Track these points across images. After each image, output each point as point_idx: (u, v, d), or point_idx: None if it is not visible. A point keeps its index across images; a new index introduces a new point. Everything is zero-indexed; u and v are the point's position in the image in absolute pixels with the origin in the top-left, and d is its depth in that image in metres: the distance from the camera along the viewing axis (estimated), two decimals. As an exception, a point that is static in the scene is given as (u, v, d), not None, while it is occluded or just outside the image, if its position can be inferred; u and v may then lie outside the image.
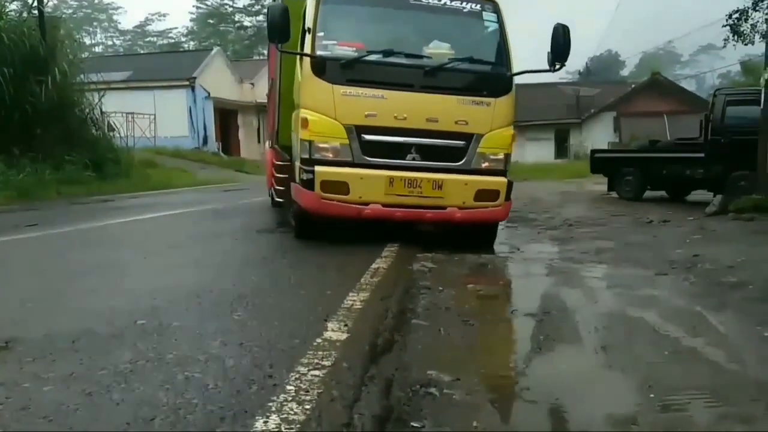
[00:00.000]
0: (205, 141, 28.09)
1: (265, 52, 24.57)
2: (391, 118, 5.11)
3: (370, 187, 5.09)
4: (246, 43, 57.65)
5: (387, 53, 5.23)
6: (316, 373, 2.10)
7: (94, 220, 7.39)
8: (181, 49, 51.34)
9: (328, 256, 4.83)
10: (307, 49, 5.15)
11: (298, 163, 5.35)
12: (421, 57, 5.36)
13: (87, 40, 60.51)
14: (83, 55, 16.91)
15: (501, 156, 5.39)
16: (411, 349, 2.65)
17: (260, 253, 5.16)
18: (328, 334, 2.57)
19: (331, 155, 5.09)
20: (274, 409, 1.80)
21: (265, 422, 1.71)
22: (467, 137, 5.29)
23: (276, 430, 1.67)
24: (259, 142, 30.35)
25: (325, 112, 5.07)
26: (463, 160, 5.28)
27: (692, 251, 4.99)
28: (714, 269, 4.18)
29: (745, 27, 10.10)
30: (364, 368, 2.20)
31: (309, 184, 5.03)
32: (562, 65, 5.21)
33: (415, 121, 5.15)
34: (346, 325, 2.71)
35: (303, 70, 5.23)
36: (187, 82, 27.36)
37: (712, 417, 1.97)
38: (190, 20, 61.96)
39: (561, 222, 7.96)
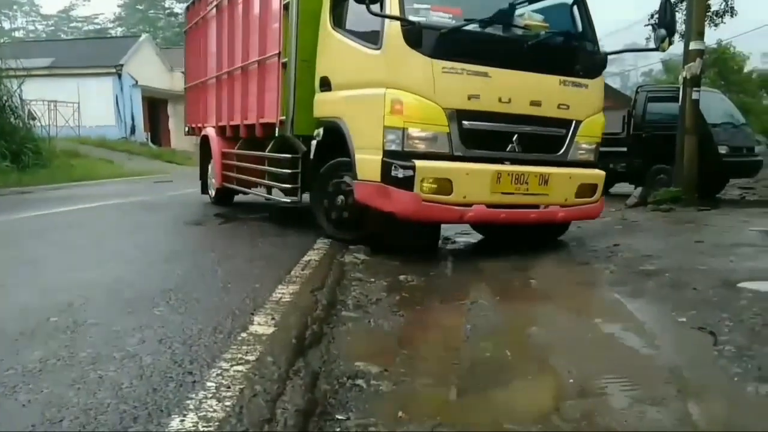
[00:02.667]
0: (133, 131, 27.02)
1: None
2: (495, 100, 4.37)
3: (475, 184, 4.32)
4: (176, 30, 55.44)
5: (488, 22, 4.45)
6: (239, 368, 2.04)
7: (9, 213, 6.96)
8: (108, 36, 49.12)
9: (259, 249, 4.73)
10: (392, 12, 4.26)
11: (373, 157, 4.36)
12: (520, 28, 4.62)
13: (6, 25, 57.30)
14: (0, 41, 15.94)
15: (594, 146, 4.86)
16: (340, 341, 2.62)
17: (187, 247, 5.00)
18: (254, 328, 2.51)
19: (425, 146, 4.26)
20: (192, 407, 1.73)
21: (182, 421, 1.64)
22: (567, 124, 4.69)
23: (193, 428, 1.60)
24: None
25: (421, 92, 4.21)
26: (562, 151, 4.69)
27: (613, 241, 5.19)
28: (633, 258, 4.36)
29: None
30: (289, 362, 2.16)
31: (406, 183, 4.16)
32: (671, 43, 4.82)
33: (518, 105, 4.45)
34: (273, 319, 2.65)
35: (388, 39, 4.28)
36: (114, 70, 26.20)
37: (628, 400, 2.04)
38: (118, 6, 59.51)
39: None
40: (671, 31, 4.73)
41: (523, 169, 4.46)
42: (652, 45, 5.19)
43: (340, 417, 1.87)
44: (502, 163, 4.42)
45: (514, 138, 4.49)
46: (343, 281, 3.71)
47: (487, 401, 2.10)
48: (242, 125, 6.69)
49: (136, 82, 26.88)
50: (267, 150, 6.05)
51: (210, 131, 7.93)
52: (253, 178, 6.65)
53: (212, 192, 8.23)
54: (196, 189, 8.97)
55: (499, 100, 4.38)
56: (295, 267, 3.85)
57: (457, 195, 4.25)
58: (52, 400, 1.80)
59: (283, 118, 5.33)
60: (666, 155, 8.87)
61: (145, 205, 8.48)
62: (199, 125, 8.70)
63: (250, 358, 2.14)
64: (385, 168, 4.25)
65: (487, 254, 5.04)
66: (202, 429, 1.60)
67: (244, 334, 2.42)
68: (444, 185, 4.23)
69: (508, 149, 4.48)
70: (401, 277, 3.89)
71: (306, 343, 2.44)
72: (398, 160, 4.20)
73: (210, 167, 8.17)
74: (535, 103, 4.51)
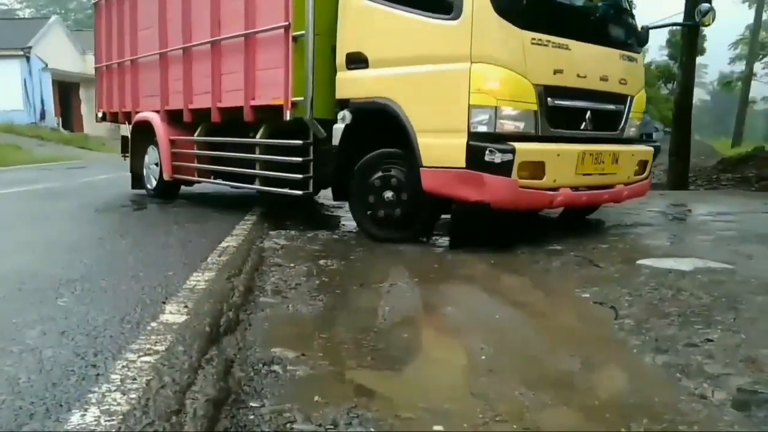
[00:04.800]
0: (43, 116, 25.60)
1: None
2: (574, 76, 4.14)
3: (564, 166, 4.09)
4: (89, 12, 52.23)
5: None
6: (147, 359, 1.97)
7: None
8: (16, 17, 45.73)
9: (174, 236, 4.59)
10: None
11: (450, 140, 3.99)
12: None
13: None
14: None
15: (639, 122, 4.77)
16: (256, 327, 2.58)
17: (97, 234, 4.77)
18: (164, 317, 2.43)
19: (513, 127, 3.92)
20: (94, 401, 1.66)
21: (83, 416, 1.57)
22: (625, 100, 4.58)
23: (94, 423, 1.54)
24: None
25: (512, 66, 3.87)
26: (620, 127, 4.58)
27: (527, 224, 5.37)
28: (542, 239, 4.52)
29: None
30: (202, 351, 2.10)
31: (503, 168, 3.80)
32: (713, 18, 4.72)
33: (591, 80, 4.26)
34: (186, 307, 2.58)
35: (474, 8, 3.89)
36: (22, 53, 24.93)
37: (534, 375, 2.12)
38: (26, -14, 55.24)
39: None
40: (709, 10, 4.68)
41: (600, 148, 4.32)
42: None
43: (254, 404, 1.85)
44: (581, 142, 4.22)
45: (587, 115, 4.31)
46: (261, 267, 3.65)
47: (402, 381, 2.14)
48: (215, 108, 5.97)
49: (46, 65, 25.46)
50: (258, 136, 5.49)
51: (152, 116, 7.03)
52: (233, 169, 5.95)
53: (152, 184, 7.32)
54: (110, 175, 8.61)
55: (578, 75, 4.18)
56: (212, 253, 3.76)
57: (548, 179, 3.99)
58: (-61, 400, 1.68)
59: (298, 99, 4.75)
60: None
61: (55, 192, 8.03)
62: (124, 110, 7.79)
63: (160, 348, 2.07)
64: (474, 152, 3.86)
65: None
66: (104, 423, 1.53)
67: (153, 324, 2.34)
68: (537, 169, 3.95)
69: (582, 127, 4.31)
70: (321, 262, 3.87)
71: (220, 331, 2.39)
72: (492, 143, 3.83)
73: (149, 157, 7.31)
74: (604, 78, 4.36)
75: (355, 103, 4.62)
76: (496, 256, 3.99)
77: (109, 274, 3.26)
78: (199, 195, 7.17)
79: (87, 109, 29.10)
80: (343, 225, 5.61)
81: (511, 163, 3.80)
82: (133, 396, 1.68)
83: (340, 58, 4.68)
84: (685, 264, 3.42)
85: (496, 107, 3.84)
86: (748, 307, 2.65)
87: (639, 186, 4.76)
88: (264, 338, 2.44)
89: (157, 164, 7.10)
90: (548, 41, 4.02)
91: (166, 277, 3.12)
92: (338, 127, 4.68)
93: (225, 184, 6.55)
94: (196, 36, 6.19)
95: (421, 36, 4.19)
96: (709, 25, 4.93)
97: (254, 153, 5.59)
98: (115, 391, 1.72)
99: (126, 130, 8.07)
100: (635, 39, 4.75)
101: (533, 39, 3.94)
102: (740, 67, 27.07)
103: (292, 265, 3.74)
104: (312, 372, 2.12)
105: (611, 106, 4.51)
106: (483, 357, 2.28)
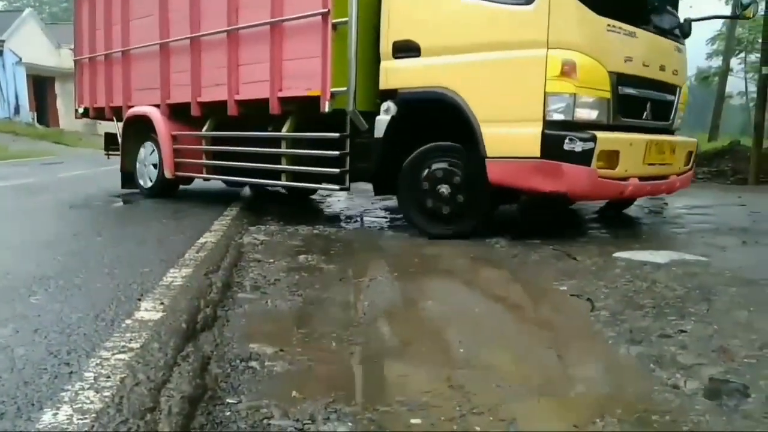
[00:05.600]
0: (18, 110, 25.21)
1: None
2: (640, 64, 4.11)
3: (634, 156, 4.05)
4: (64, 6, 51.41)
5: None
6: (122, 356, 1.94)
7: None
8: (-12, 10, 44.88)
9: (151, 232, 4.53)
10: None
11: (520, 130, 3.88)
12: None
13: None
14: None
15: (683, 113, 4.77)
16: (234, 323, 2.56)
17: (72, 231, 4.68)
18: (140, 314, 2.40)
19: (588, 115, 3.85)
20: (67, 399, 1.64)
21: (55, 414, 1.55)
22: (676, 90, 4.58)
23: (67, 422, 1.51)
24: (81, 111, 27.69)
25: (589, 52, 3.80)
26: (671, 118, 4.57)
27: (506, 218, 5.41)
28: (521, 232, 4.56)
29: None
30: (178, 347, 2.08)
31: (583, 157, 3.73)
32: (756, 11, 4.71)
33: (653, 69, 4.23)
34: (162, 303, 2.55)
35: None
36: (-5, 46, 24.33)
37: (511, 367, 2.14)
38: (-2, -22, 54.02)
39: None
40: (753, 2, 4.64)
41: (662, 139, 4.30)
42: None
43: (230, 401, 1.83)
44: (642, 133, 4.17)
45: (648, 105, 4.27)
46: (240, 263, 3.63)
47: (380, 375, 2.14)
48: (231, 101, 5.70)
49: (20, 59, 25.09)
50: (285, 129, 5.27)
51: (150, 111, 6.69)
52: (255, 165, 5.65)
53: (147, 183, 6.95)
54: (87, 171, 8.47)
55: (643, 64, 4.14)
56: (190, 250, 3.73)
57: (620, 168, 3.93)
58: None
59: (339, 89, 4.59)
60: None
61: (29, 188, 7.90)
62: (112, 105, 7.44)
63: (134, 345, 2.04)
64: (551, 141, 3.76)
65: (389, 233, 5.10)
66: (77, 422, 1.51)
67: (128, 321, 2.31)
68: (612, 158, 3.89)
69: (642, 117, 4.26)
70: (301, 258, 3.85)
71: (197, 327, 2.37)
72: (571, 132, 3.75)
73: (144, 154, 6.98)
74: (662, 68, 4.34)
75: (405, 94, 4.46)
76: (475, 250, 4.01)
77: (83, 271, 3.21)
78: (179, 191, 7.08)
79: (63, 103, 28.74)
80: (324, 220, 5.59)
81: (591, 151, 3.73)
82: (107, 394, 1.66)
83: (386, 47, 4.54)
84: (660, 257, 3.47)
85: (574, 94, 3.76)
86: (721, 298, 2.70)
87: (686, 177, 4.76)
88: (242, 334, 2.42)
89: (155, 164, 6.79)
90: (620, 28, 3.97)
91: (141, 274, 3.08)
92: (383, 119, 4.54)
93: (238, 181, 6.33)
94: (207, 25, 5.92)
95: (487, 22, 4.05)
96: (751, 17, 4.89)
97: (278, 147, 5.37)
98: (88, 389, 1.70)
99: (113, 126, 7.75)
100: (682, 30, 4.74)
101: (609, 25, 3.89)
102: (717, 62, 27.42)
103: (271, 260, 3.72)
104: (290, 367, 2.11)
105: (667, 97, 4.49)
106: (461, 350, 2.29)
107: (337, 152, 4.76)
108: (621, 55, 3.98)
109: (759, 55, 9.46)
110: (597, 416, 1.70)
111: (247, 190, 7.84)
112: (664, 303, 2.67)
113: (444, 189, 4.32)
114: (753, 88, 9.12)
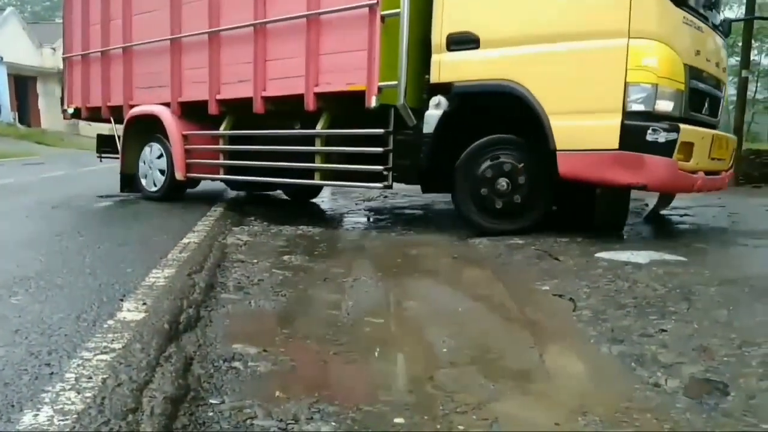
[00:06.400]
0: (-2, 110, 24.85)
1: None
2: (704, 58, 4.10)
3: (703, 150, 4.00)
4: (47, 5, 50.78)
5: None
6: (103, 357, 1.92)
7: None
8: (-32, 9, 44.19)
9: (133, 232, 4.50)
10: None
11: (595, 122, 3.81)
12: None
13: None
14: None
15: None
16: (217, 324, 2.55)
17: (54, 231, 4.62)
18: (122, 315, 2.38)
19: (664, 107, 3.77)
20: (47, 400, 1.62)
21: (35, 416, 1.53)
22: (722, 87, 4.57)
23: (47, 423, 1.50)
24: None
25: (668, 42, 3.75)
26: (719, 114, 4.52)
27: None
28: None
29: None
30: (160, 348, 2.06)
31: (665, 148, 3.67)
32: None
33: (712, 64, 4.23)
34: (144, 304, 2.53)
35: None
36: (-26, 45, 24.04)
37: (494, 366, 2.15)
38: (-20, -23, 53.18)
39: (378, 194, 8.22)
40: None
41: (721, 134, 4.28)
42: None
43: (213, 401, 1.82)
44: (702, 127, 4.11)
45: (707, 100, 4.23)
46: (224, 263, 3.61)
47: (364, 375, 2.14)
48: (258, 98, 5.49)
49: (1, 58, 24.87)
50: (319, 126, 5.11)
51: (159, 110, 6.40)
52: (285, 164, 5.45)
53: (152, 185, 6.64)
54: (69, 171, 8.36)
55: (707, 59, 4.14)
56: (173, 250, 3.70)
57: (693, 161, 3.89)
58: None
59: (388, 84, 4.46)
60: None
61: (10, 188, 7.80)
62: (110, 104, 7.12)
63: (116, 346, 2.02)
64: (632, 132, 3.70)
65: (373, 233, 5.11)
66: (57, 423, 1.49)
67: (110, 322, 2.29)
68: (688, 150, 3.83)
69: (702, 112, 4.22)
70: (285, 258, 3.85)
71: (180, 328, 2.35)
72: (653, 122, 3.69)
73: (150, 155, 6.67)
74: (717, 64, 4.33)
75: (462, 87, 4.37)
76: (458, 250, 4.03)
77: (65, 272, 3.17)
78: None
79: (45, 103, 28.44)
80: (308, 221, 5.58)
81: (675, 142, 3.69)
82: (89, 395, 1.64)
83: (438, 40, 4.44)
84: (641, 257, 3.51)
85: (656, 85, 3.70)
86: (701, 298, 2.73)
87: (730, 175, 4.75)
88: (225, 334, 2.41)
89: (162, 169, 6.54)
90: (691, 21, 3.96)
91: (124, 274, 3.05)
92: (433, 114, 4.45)
93: (261, 181, 6.10)
94: (229, 18, 5.70)
95: (558, 13, 4.00)
96: None
97: (310, 144, 5.20)
98: (69, 390, 1.68)
99: (107, 127, 7.53)
100: (725, 27, 4.75)
101: (685, 17, 3.89)
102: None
103: (255, 261, 3.71)
104: (274, 368, 2.11)
105: (718, 92, 4.49)
106: (444, 349, 2.30)
107: (380, 149, 4.67)
108: (692, 49, 3.96)
109: (739, 59, 9.61)
110: (579, 414, 1.72)
111: (230, 192, 7.80)
112: (645, 302, 2.70)
113: (503, 183, 4.27)
114: (733, 90, 9.31)
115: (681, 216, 5.56)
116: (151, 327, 2.24)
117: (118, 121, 7.19)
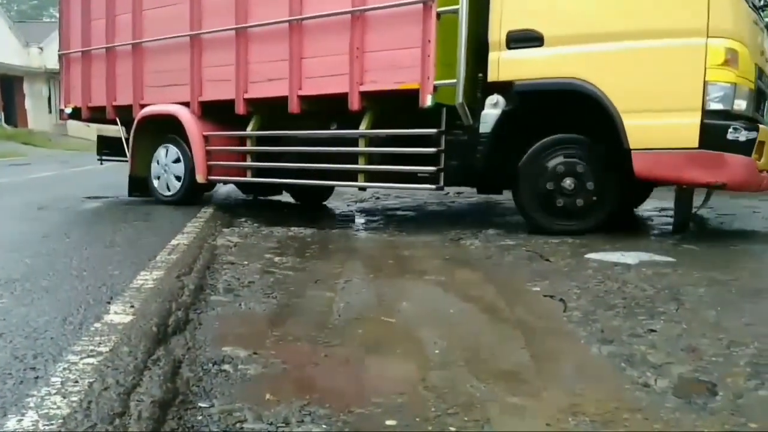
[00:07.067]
0: (-17, 110, 24.61)
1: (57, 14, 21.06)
2: (765, 58, 4.11)
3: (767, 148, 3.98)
4: (34, 3, 50.36)
5: None
6: (90, 360, 1.90)
7: None
8: (-47, 7, 43.71)
9: (121, 233, 4.46)
10: None
11: (672, 120, 3.76)
12: None
13: None
14: None
15: None
16: (207, 326, 2.53)
17: (40, 232, 4.58)
18: (109, 318, 2.35)
19: (739, 105, 3.75)
20: (32, 404, 1.59)
21: (20, 420, 1.50)
22: None
23: (32, 428, 1.47)
24: (50, 112, 27.20)
25: (744, 42, 3.76)
26: (765, 114, 4.51)
27: (470, 217, 5.45)
28: (495, 234, 4.59)
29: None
30: (148, 351, 2.04)
31: (745, 147, 3.66)
32: None
33: (760, 60, 4.15)
34: (132, 306, 2.50)
35: None
36: (-40, 45, 23.78)
37: (486, 367, 2.15)
38: (-35, -26, 52.64)
39: (370, 195, 8.21)
40: None
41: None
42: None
43: (202, 405, 1.80)
44: None
45: (763, 99, 4.23)
46: (214, 265, 3.59)
47: (355, 377, 2.12)
48: (293, 97, 5.29)
49: (-14, 58, 24.49)
50: (363, 126, 4.96)
51: (177, 110, 6.13)
52: (324, 165, 5.28)
53: (167, 189, 6.37)
54: (56, 172, 8.27)
55: (766, 59, 4.14)
56: (162, 252, 3.68)
57: (764, 160, 3.91)
58: None
59: (445, 82, 4.36)
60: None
61: (-7, 189, 7.69)
62: (117, 104, 6.79)
63: (103, 349, 2.00)
64: (713, 131, 3.67)
65: (364, 234, 5.10)
66: (43, 427, 1.47)
67: (97, 325, 2.26)
68: (761, 149, 3.83)
69: (760, 111, 4.23)
70: (276, 259, 3.83)
71: (169, 331, 2.33)
72: (732, 121, 3.67)
73: (165, 158, 6.40)
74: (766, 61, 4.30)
75: (524, 86, 4.28)
76: (450, 251, 4.03)
77: (51, 274, 3.13)
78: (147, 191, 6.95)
79: (31, 103, 28.21)
80: (299, 222, 5.56)
81: (754, 141, 3.69)
82: (75, 399, 1.62)
83: (497, 37, 4.34)
84: (630, 258, 3.53)
85: (735, 84, 3.69)
86: (690, 298, 2.75)
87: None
88: (215, 337, 2.39)
89: (178, 175, 6.29)
90: (756, 21, 3.99)
91: (111, 277, 3.03)
92: (491, 113, 4.35)
93: (288, 184, 5.92)
94: (258, 14, 5.49)
95: (630, 11, 3.94)
96: None
97: (351, 146, 5.05)
98: (55, 394, 1.65)
99: (108, 128, 7.34)
100: None
101: (753, 17, 3.92)
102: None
103: (245, 262, 3.69)
104: (264, 370, 2.09)
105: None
106: (436, 351, 2.29)
107: (433, 149, 4.57)
108: (759, 49, 3.98)
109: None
110: (569, 415, 1.72)
111: (221, 193, 7.76)
112: (634, 303, 2.71)
113: (569, 183, 4.21)
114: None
115: (670, 217, 5.58)
116: (138, 330, 2.22)
117: (123, 122, 6.91)
